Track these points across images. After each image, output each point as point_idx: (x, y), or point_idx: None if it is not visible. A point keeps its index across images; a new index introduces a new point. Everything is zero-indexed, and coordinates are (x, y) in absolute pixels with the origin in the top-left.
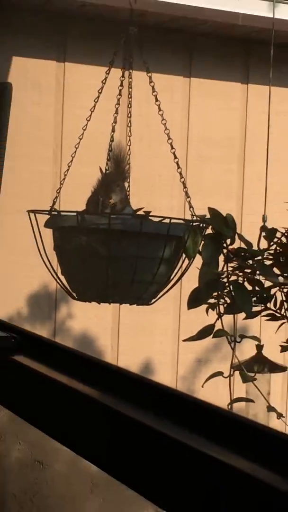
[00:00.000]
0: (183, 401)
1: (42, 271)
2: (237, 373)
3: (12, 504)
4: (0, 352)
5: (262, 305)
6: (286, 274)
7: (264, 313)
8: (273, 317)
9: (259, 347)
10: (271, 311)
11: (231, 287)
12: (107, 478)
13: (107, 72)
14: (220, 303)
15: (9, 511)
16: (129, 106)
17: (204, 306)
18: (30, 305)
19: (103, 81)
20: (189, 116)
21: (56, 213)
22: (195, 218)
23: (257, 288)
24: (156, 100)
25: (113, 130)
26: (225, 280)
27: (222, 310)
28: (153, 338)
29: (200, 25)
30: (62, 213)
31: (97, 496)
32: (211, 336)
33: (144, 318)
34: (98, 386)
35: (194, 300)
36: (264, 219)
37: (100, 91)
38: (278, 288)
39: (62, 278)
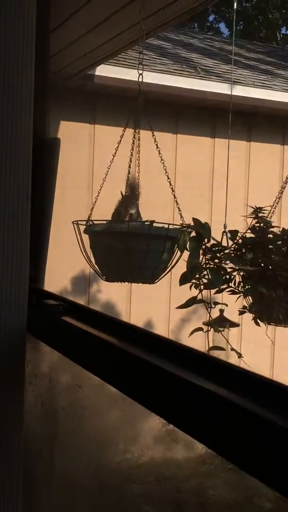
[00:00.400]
0: (172, 346)
1: (81, 262)
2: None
3: (61, 413)
4: (53, 315)
5: (226, 284)
6: (241, 267)
7: (227, 289)
8: (233, 292)
9: (222, 311)
10: (232, 288)
11: (208, 271)
12: (123, 396)
13: (124, 130)
14: (200, 282)
15: (60, 418)
16: (138, 152)
17: (189, 284)
18: (72, 284)
19: (121, 136)
20: (176, 159)
21: (91, 222)
22: (184, 225)
23: (222, 272)
24: (157, 147)
25: (129, 166)
26: (203, 266)
27: (202, 287)
28: (153, 305)
29: (183, 99)
30: (96, 222)
31: (117, 408)
32: (195, 303)
33: (147, 292)
34: (117, 336)
35: (184, 280)
36: (225, 227)
37: (119, 142)
38: (236, 272)
39: (96, 266)
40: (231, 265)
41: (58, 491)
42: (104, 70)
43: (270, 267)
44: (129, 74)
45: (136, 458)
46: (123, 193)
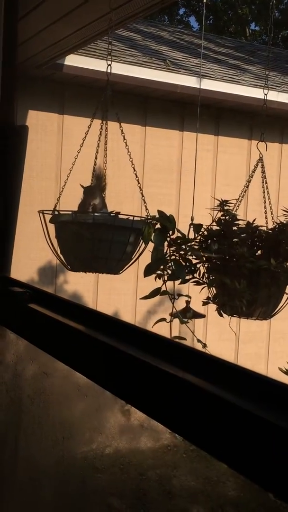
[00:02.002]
0: (139, 332)
1: (47, 252)
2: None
3: (27, 400)
4: (20, 302)
5: (191, 275)
6: (206, 255)
7: (192, 280)
8: (197, 283)
9: (187, 302)
10: (196, 279)
11: (172, 263)
12: (88, 383)
13: (91, 120)
14: (165, 273)
15: (25, 405)
16: (105, 143)
17: (155, 276)
18: (39, 274)
19: (89, 126)
20: (144, 151)
21: (57, 212)
22: (149, 217)
23: (187, 264)
24: (124, 138)
25: (96, 157)
26: (168, 258)
27: (166, 278)
28: (120, 296)
29: (152, 92)
30: (61, 212)
31: (82, 394)
32: (159, 295)
33: (114, 283)
34: (84, 323)
35: (148, 271)
36: (192, 219)
37: (86, 133)
38: (201, 263)
39: (61, 256)
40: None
41: (21, 479)
42: (73, 60)
43: (234, 258)
44: (98, 65)
45: (102, 447)
46: (83, 185)
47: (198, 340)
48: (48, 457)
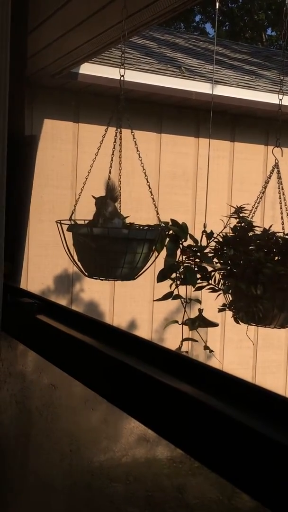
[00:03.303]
0: (150, 347)
1: (63, 260)
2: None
3: (35, 412)
4: (28, 313)
5: (206, 281)
6: (221, 261)
7: (207, 287)
8: (213, 290)
9: (200, 310)
10: (211, 286)
11: (184, 269)
12: (95, 396)
13: (106, 129)
14: (177, 279)
15: (33, 417)
16: (120, 151)
17: (168, 283)
18: (55, 282)
19: (103, 135)
20: (160, 158)
21: (73, 222)
22: (161, 225)
23: (202, 271)
24: (135, 144)
25: (110, 167)
26: (180, 265)
27: (178, 283)
28: (137, 304)
29: (167, 99)
30: (78, 222)
31: (88, 407)
32: (171, 299)
33: (131, 291)
34: (92, 335)
35: (161, 277)
36: (204, 226)
37: (101, 141)
38: (216, 270)
39: (78, 263)
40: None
41: (31, 490)
42: (87, 69)
43: (251, 263)
44: (113, 73)
45: (112, 457)
46: (95, 196)
47: (206, 347)
48: (57, 468)
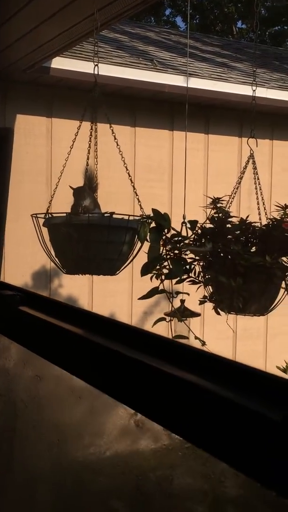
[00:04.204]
0: (136, 333)
1: (40, 256)
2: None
3: (20, 404)
4: (10, 305)
5: (186, 274)
6: (203, 249)
7: (187, 280)
8: (193, 282)
9: (182, 301)
10: (192, 278)
11: (168, 261)
12: (81, 383)
13: (80, 122)
14: (162, 272)
15: (18, 409)
16: (96, 144)
17: (149, 277)
18: (33, 279)
19: (78, 128)
20: (135, 152)
21: (50, 215)
22: (144, 216)
23: (182, 262)
24: (115, 138)
25: (87, 159)
26: (164, 257)
27: (162, 277)
28: (115, 298)
29: (140, 92)
30: (55, 215)
31: (75, 396)
32: (158, 293)
33: (110, 286)
34: (77, 325)
35: (145, 270)
36: (184, 218)
37: (76, 134)
38: (196, 262)
39: (56, 259)
40: (191, 255)
41: (18, 485)
42: (59, 63)
43: (229, 256)
44: (85, 67)
45: (100, 450)
46: (73, 187)
47: (196, 338)
48: (44, 460)
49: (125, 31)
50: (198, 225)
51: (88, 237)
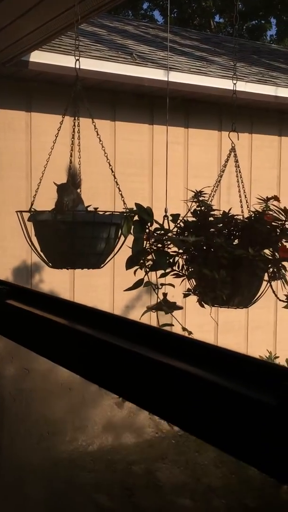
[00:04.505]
0: (122, 322)
1: (21, 252)
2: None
3: (9, 398)
4: None
5: (170, 267)
6: (184, 247)
7: (171, 273)
8: (177, 275)
9: (165, 294)
10: (176, 271)
11: (152, 254)
12: (70, 375)
13: (63, 117)
14: (146, 264)
15: (8, 403)
16: (78, 138)
17: (132, 271)
18: (14, 275)
19: (61, 122)
20: (115, 146)
21: (34, 211)
22: (127, 210)
23: (166, 256)
24: (98, 134)
25: (71, 156)
26: (148, 250)
27: (147, 269)
28: (97, 293)
29: (119, 86)
30: (40, 211)
31: (65, 388)
32: (142, 286)
33: (90, 280)
34: (64, 316)
35: (130, 263)
36: (166, 211)
37: (59, 129)
38: (179, 255)
39: (41, 254)
40: (174, 249)
41: (5, 478)
42: (38, 57)
43: (212, 249)
44: (64, 60)
45: (84, 444)
46: (57, 183)
47: (184, 329)
48: (32, 453)
49: (103, 24)
50: (181, 218)
51: (74, 233)
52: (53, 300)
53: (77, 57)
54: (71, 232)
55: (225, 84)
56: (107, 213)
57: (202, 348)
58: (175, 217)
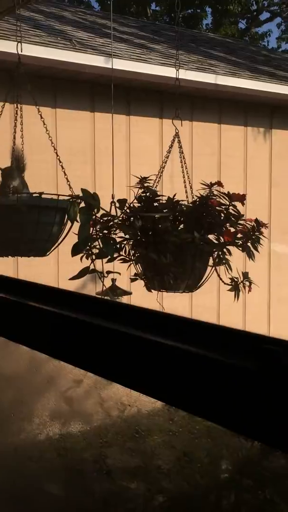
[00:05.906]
0: (88, 300)
1: None
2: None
3: None
4: None
5: (117, 253)
6: (130, 232)
7: (118, 258)
8: (124, 260)
9: (114, 280)
10: (123, 256)
11: (99, 241)
12: (16, 366)
13: (4, 102)
14: (92, 252)
15: None
16: (21, 123)
17: (78, 258)
18: None
19: (2, 106)
20: (56, 133)
21: None
22: (74, 195)
23: (112, 242)
24: (41, 117)
25: (14, 140)
26: (94, 236)
27: (93, 257)
28: (41, 281)
29: (59, 73)
30: None
31: (11, 378)
32: (88, 273)
33: (34, 269)
34: (36, 299)
35: (75, 250)
36: (113, 197)
37: None
38: (126, 241)
39: None
40: (120, 234)
41: None
42: None
43: (158, 234)
44: (4, 45)
45: (32, 434)
46: (1, 168)
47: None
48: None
49: (40, 9)
50: (127, 204)
51: (18, 218)
52: (22, 283)
53: (18, 40)
54: (16, 217)
55: (166, 71)
56: (54, 197)
57: (176, 321)
58: (122, 202)
